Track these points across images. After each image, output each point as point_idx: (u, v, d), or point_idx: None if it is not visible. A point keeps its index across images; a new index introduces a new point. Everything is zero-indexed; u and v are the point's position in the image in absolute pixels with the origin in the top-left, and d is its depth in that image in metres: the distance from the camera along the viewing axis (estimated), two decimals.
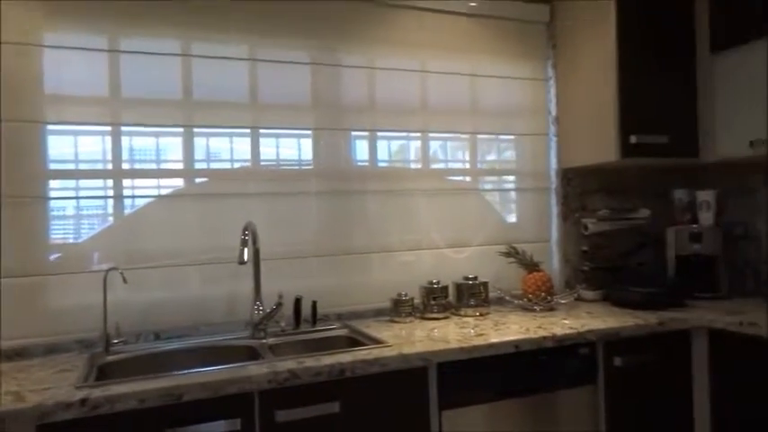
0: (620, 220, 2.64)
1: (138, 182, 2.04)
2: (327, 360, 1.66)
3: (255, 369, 1.58)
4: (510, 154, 2.63)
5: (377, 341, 1.89)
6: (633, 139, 2.37)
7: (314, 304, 2.17)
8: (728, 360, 2.10)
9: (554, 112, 2.69)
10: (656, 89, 2.44)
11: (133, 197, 2.03)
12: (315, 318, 2.16)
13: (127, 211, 2.02)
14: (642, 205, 2.76)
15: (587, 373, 2.00)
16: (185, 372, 1.56)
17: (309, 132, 2.28)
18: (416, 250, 2.44)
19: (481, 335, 1.94)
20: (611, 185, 2.77)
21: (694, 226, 2.59)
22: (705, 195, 2.59)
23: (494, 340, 1.86)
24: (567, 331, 1.96)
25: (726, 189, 2.68)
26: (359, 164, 2.36)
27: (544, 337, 1.92)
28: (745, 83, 2.35)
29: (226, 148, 2.17)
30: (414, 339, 1.90)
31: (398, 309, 2.23)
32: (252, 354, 1.90)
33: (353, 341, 2.01)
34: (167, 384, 1.46)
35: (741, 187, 2.68)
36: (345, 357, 1.68)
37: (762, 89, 2.28)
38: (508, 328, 2.03)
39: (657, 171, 2.84)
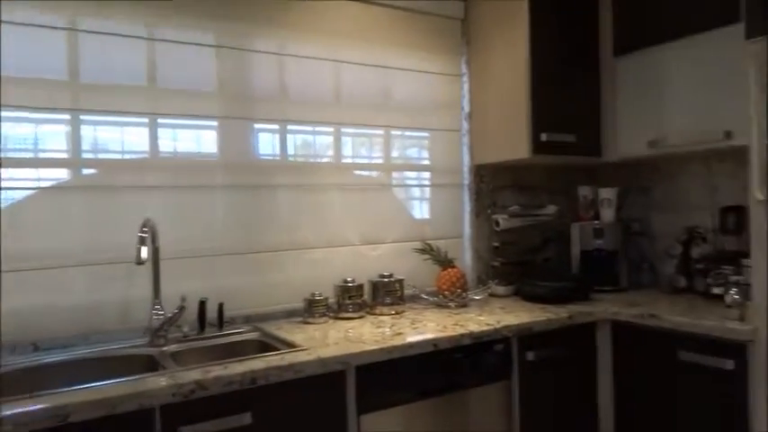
0: (529, 216, 2.69)
1: (14, 172, 1.78)
2: (238, 368, 1.52)
3: (156, 381, 1.42)
4: (424, 149, 2.60)
5: (291, 345, 1.78)
6: (544, 137, 2.41)
7: (220, 307, 2.01)
8: (630, 349, 2.19)
9: (467, 109, 2.69)
10: (564, 90, 2.51)
11: (8, 189, 1.77)
12: (221, 321, 2.01)
13: (1, 205, 1.77)
14: (549, 202, 2.83)
15: (502, 368, 2.01)
16: (72, 388, 1.37)
17: (214, 122, 2.11)
18: (330, 248, 2.34)
19: (399, 334, 1.89)
20: (521, 182, 2.82)
21: (596, 222, 2.70)
22: (607, 193, 2.70)
23: (413, 339, 1.81)
24: (484, 328, 1.95)
25: (625, 187, 2.81)
26: (268, 156, 2.22)
27: (462, 335, 1.89)
28: (644, 86, 2.47)
29: (118, 137, 1.96)
30: (329, 341, 1.81)
31: (312, 309, 2.12)
32: (151, 364, 1.72)
33: (265, 345, 1.88)
34: (50, 404, 1.27)
35: (638, 185, 2.82)
36: (257, 364, 1.55)
37: (659, 92, 2.40)
38: (425, 326, 1.99)
39: (563, 168, 2.93)
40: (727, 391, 1.88)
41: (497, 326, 1.98)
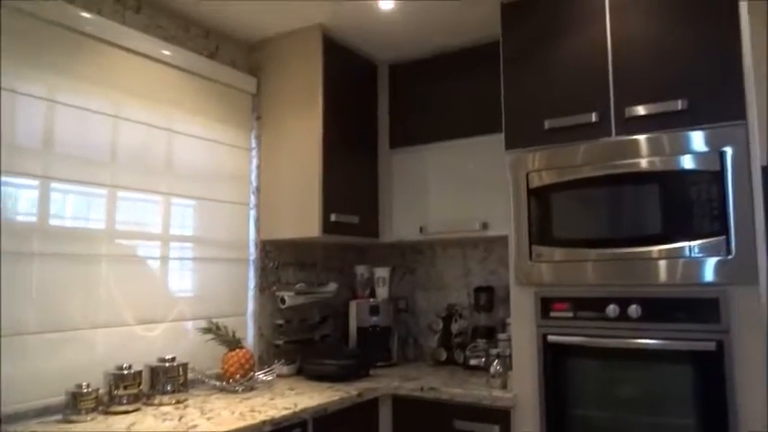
0: (312, 293, 2.72)
1: None
2: None
3: None
4: (208, 221, 2.46)
5: None
6: (333, 217, 2.51)
7: None
8: (409, 422, 2.32)
9: (255, 183, 2.66)
10: (350, 174, 2.67)
11: None
12: None
13: None
14: (327, 279, 2.92)
15: None
16: None
17: None
18: (100, 328, 2.02)
19: (194, 426, 1.69)
20: (304, 259, 2.86)
21: (372, 300, 2.86)
22: (381, 272, 2.90)
23: None
24: (283, 412, 1.87)
25: (393, 266, 3.05)
26: (24, 218, 1.85)
27: (263, 422, 1.78)
28: (414, 177, 2.78)
29: None
30: None
31: (77, 404, 1.78)
32: None
33: None
34: None
35: (405, 266, 3.10)
36: None
37: (426, 184, 2.73)
38: (220, 416, 1.83)
39: (339, 247, 3.07)
40: None
41: (296, 409, 1.92)
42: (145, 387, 2.00)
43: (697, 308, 1.81)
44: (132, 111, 2.19)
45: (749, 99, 1.77)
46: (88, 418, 1.78)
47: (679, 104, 1.89)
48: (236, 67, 2.64)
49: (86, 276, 2.00)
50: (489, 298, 2.75)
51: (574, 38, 2.13)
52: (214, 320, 2.29)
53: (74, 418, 1.77)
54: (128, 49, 2.18)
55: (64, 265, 1.93)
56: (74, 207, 2.00)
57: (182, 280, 2.34)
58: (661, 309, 1.87)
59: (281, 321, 2.64)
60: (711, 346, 1.78)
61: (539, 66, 2.19)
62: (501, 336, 2.43)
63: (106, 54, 2.12)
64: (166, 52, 2.31)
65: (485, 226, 2.55)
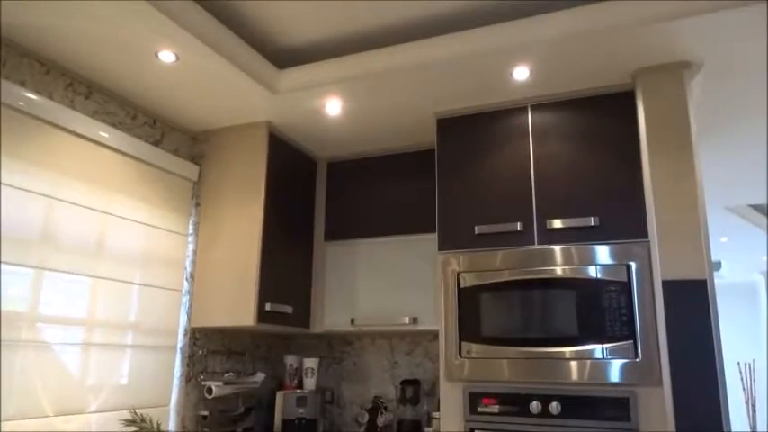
0: (239, 383, 2.68)
1: None
2: None
3: None
4: (138, 306, 2.41)
5: None
6: (268, 306, 2.54)
7: None
8: None
9: (189, 269, 2.66)
10: (285, 264, 2.74)
11: None
12: None
13: None
14: (255, 368, 2.89)
15: None
16: None
17: None
18: (12, 420, 1.89)
19: None
20: (233, 347, 2.82)
21: (299, 391, 2.85)
22: (310, 362, 2.91)
23: None
24: None
25: (322, 357, 3.07)
26: None
27: None
28: (348, 270, 2.88)
29: None
30: None
31: None
32: None
33: None
34: None
35: (332, 356, 3.13)
36: None
37: (356, 277, 2.84)
38: None
39: (267, 336, 3.06)
40: None
41: None
42: None
43: (611, 406, 1.99)
44: (70, 192, 2.18)
45: (650, 220, 2.06)
46: None
47: (591, 221, 2.16)
48: (179, 155, 2.70)
49: (3, 362, 1.89)
50: (415, 391, 2.82)
51: (502, 153, 2.39)
52: (138, 411, 2.20)
53: None
54: (73, 133, 2.20)
55: None
56: None
57: (105, 367, 2.25)
58: (579, 406, 2.04)
59: (205, 413, 2.56)
60: None
61: (471, 176, 2.43)
62: (427, 430, 2.49)
63: (51, 136, 2.13)
64: (110, 137, 2.34)
65: (414, 320, 2.67)
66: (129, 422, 2.16)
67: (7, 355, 1.90)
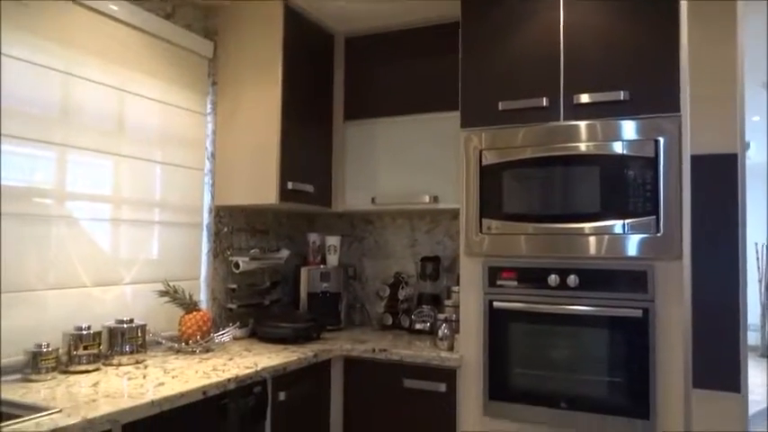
0: (265, 259, 2.77)
1: None
2: None
3: None
4: (162, 185, 2.45)
5: (36, 408, 1.47)
6: (290, 185, 2.56)
7: None
8: (360, 381, 2.45)
9: (210, 149, 2.66)
10: (306, 143, 2.72)
11: None
12: None
13: None
14: (279, 246, 2.97)
15: (259, 411, 2.02)
16: None
17: None
18: (56, 289, 1.99)
19: (162, 384, 1.74)
20: (256, 226, 2.89)
21: (323, 266, 2.95)
22: (333, 240, 2.98)
23: (181, 389, 1.69)
24: (246, 371, 1.95)
25: (342, 235, 3.14)
26: None
27: (228, 379, 1.85)
28: (368, 149, 2.86)
29: None
30: (80, 400, 1.56)
31: (38, 363, 1.78)
32: None
33: None
34: None
35: (353, 235, 3.20)
36: None
37: (378, 156, 2.82)
38: (184, 374, 1.88)
39: (289, 215, 3.12)
40: (442, 407, 2.29)
41: (257, 368, 2.00)
42: (104, 348, 2.01)
43: (628, 279, 2.03)
44: (86, 69, 2.13)
45: (683, 94, 1.98)
46: (48, 377, 1.79)
47: (621, 95, 2.08)
48: (192, 30, 2.60)
49: (41, 238, 1.96)
50: (435, 267, 2.90)
51: (530, 25, 2.26)
52: (171, 283, 2.30)
53: (33, 377, 1.77)
54: (85, 6, 2.11)
55: (17, 227, 1.89)
56: (22, 166, 1.94)
57: (135, 243, 2.32)
58: (596, 279, 2.08)
59: (233, 286, 2.68)
60: (638, 313, 2.00)
61: (496, 50, 2.32)
62: (447, 302, 2.59)
63: (62, 9, 2.04)
64: (120, 10, 2.25)
65: (435, 199, 2.68)
66: (163, 293, 2.27)
67: (42, 228, 1.96)
